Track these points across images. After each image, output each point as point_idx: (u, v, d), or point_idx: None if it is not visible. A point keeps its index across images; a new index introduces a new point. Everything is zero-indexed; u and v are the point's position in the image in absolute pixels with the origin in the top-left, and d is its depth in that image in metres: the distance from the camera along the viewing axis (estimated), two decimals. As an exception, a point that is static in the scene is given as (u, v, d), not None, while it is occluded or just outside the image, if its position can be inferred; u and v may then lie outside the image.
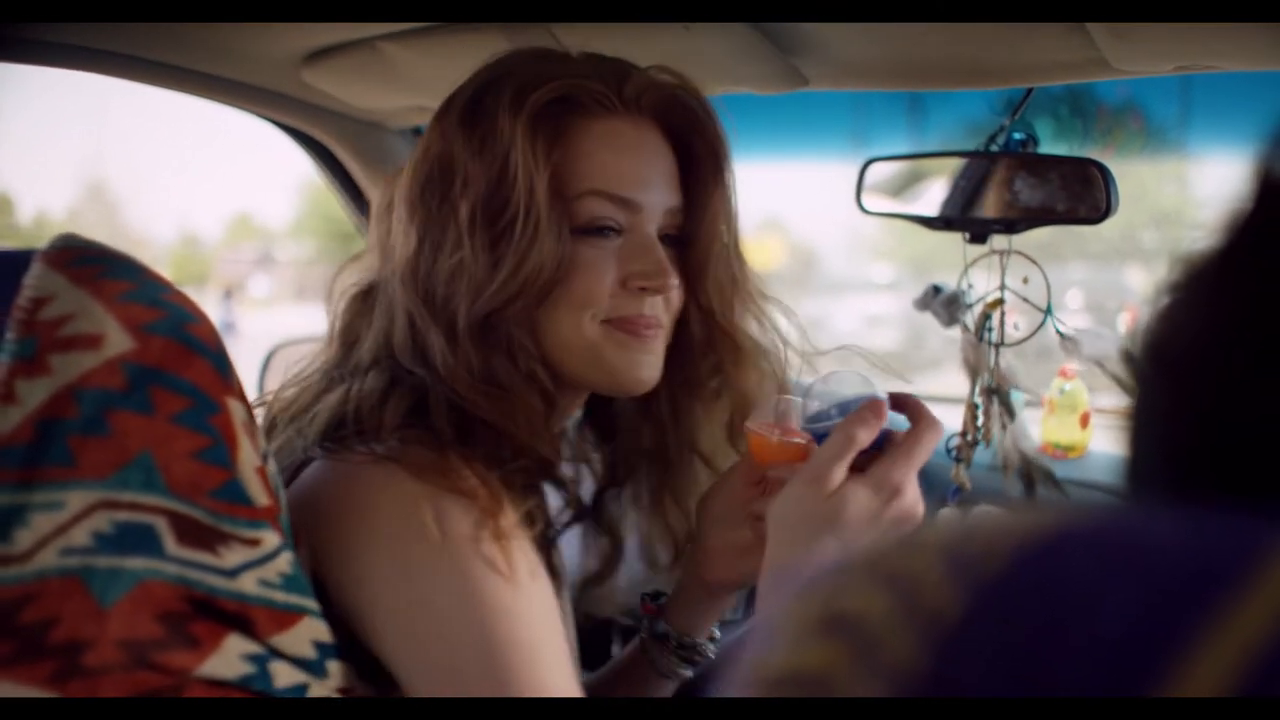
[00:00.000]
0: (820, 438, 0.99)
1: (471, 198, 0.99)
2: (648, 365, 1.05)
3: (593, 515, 1.22)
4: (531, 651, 0.90)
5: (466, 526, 0.90)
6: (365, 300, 1.09)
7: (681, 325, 1.11)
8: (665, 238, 1.06)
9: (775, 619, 0.34)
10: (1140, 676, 0.25)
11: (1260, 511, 0.28)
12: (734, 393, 1.15)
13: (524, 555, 0.93)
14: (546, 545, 1.03)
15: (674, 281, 1.05)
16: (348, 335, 1.08)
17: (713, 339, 1.12)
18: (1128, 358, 0.38)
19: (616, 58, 1.08)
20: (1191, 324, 0.36)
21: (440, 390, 0.99)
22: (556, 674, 0.92)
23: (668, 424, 1.16)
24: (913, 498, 0.97)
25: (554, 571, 1.22)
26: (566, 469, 1.18)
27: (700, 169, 1.09)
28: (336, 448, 0.97)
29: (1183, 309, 0.36)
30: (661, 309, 1.06)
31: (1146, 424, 0.37)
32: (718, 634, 1.21)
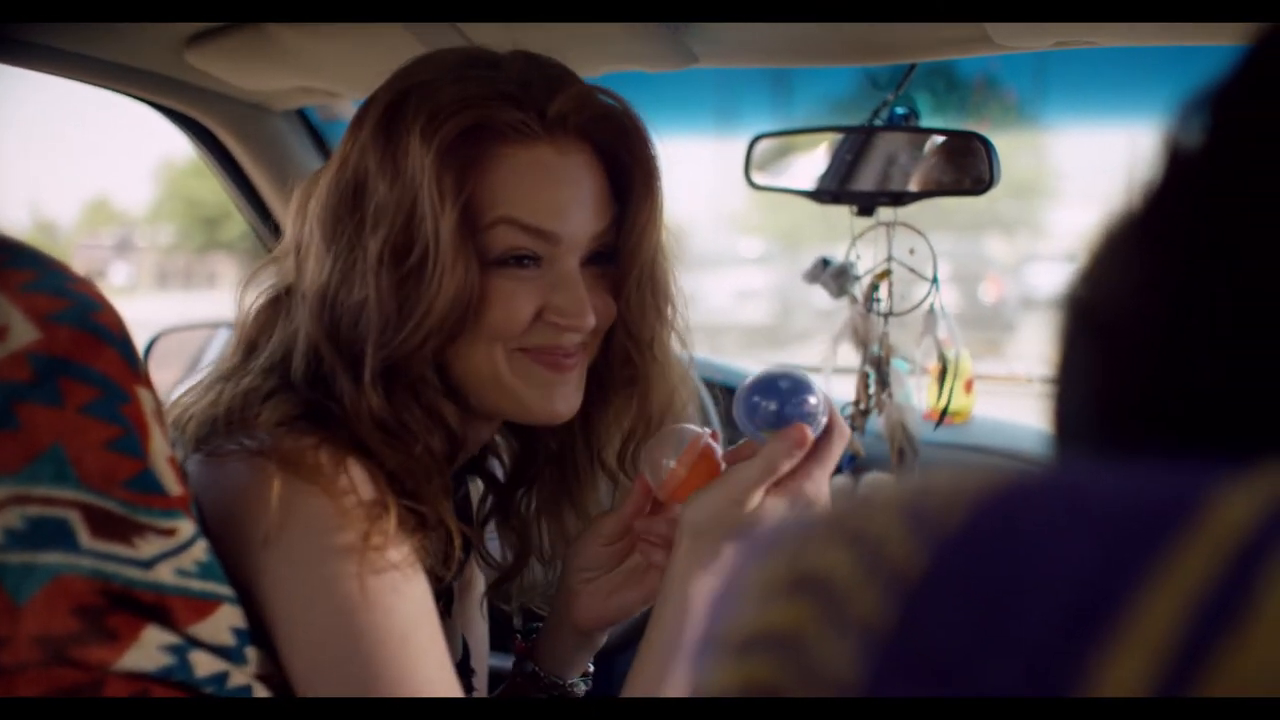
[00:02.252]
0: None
1: (380, 231, 0.95)
2: (562, 397, 1.03)
3: (501, 511, 1.20)
4: (403, 645, 0.90)
5: (327, 522, 0.89)
6: (274, 308, 1.05)
7: (604, 338, 1.08)
8: (595, 255, 1.04)
9: (741, 582, 0.35)
10: (1097, 618, 0.27)
11: (1193, 461, 0.30)
12: (643, 411, 1.12)
13: (390, 554, 0.91)
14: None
15: (590, 321, 1.00)
16: (250, 344, 1.04)
17: (630, 356, 1.09)
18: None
19: (549, 65, 1.03)
20: (1117, 288, 0.38)
21: (338, 417, 0.96)
22: (428, 667, 0.92)
23: (576, 432, 1.13)
24: (825, 503, 0.97)
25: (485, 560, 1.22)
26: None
27: (631, 184, 1.05)
28: (211, 448, 0.95)
29: (1106, 273, 0.38)
30: (581, 339, 1.03)
31: (1074, 383, 0.40)
32: (591, 669, 1.21)
